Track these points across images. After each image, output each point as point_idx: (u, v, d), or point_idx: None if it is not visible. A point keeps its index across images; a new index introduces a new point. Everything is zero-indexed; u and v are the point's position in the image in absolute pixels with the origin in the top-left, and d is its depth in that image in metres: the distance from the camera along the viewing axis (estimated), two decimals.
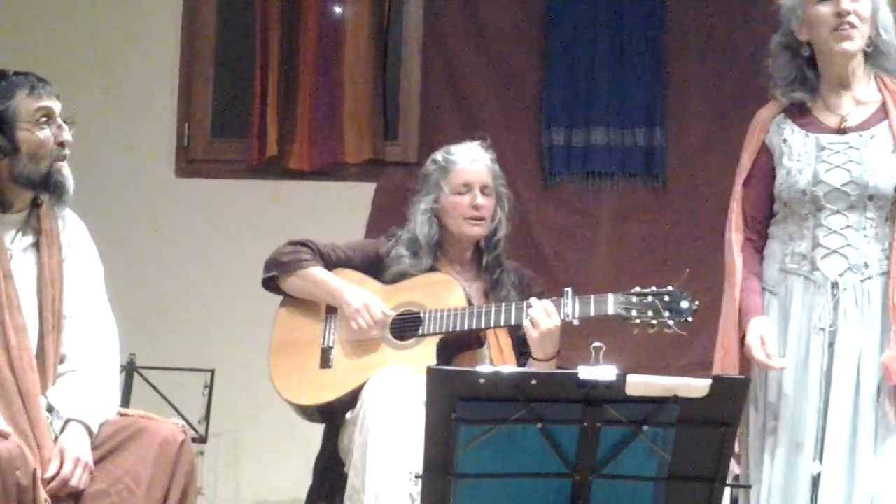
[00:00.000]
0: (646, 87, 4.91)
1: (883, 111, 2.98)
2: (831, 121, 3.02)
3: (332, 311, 3.48)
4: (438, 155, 3.62)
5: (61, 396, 2.83)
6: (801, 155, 3.00)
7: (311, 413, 3.43)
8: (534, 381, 2.31)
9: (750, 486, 2.98)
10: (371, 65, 5.02)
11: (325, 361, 3.42)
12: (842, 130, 2.99)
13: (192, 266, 4.96)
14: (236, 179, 5.04)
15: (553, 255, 4.85)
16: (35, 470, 2.65)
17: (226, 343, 4.74)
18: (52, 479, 2.70)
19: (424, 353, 3.32)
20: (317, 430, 3.53)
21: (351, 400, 3.28)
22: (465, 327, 3.34)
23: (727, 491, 2.68)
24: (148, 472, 2.75)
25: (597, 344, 2.61)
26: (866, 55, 3.01)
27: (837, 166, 2.95)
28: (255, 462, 4.81)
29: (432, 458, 2.36)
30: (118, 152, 4.93)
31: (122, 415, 2.90)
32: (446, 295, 3.40)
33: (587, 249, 4.88)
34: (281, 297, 3.55)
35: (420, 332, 3.37)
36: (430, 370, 2.35)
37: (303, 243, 3.52)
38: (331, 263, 3.51)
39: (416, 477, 2.41)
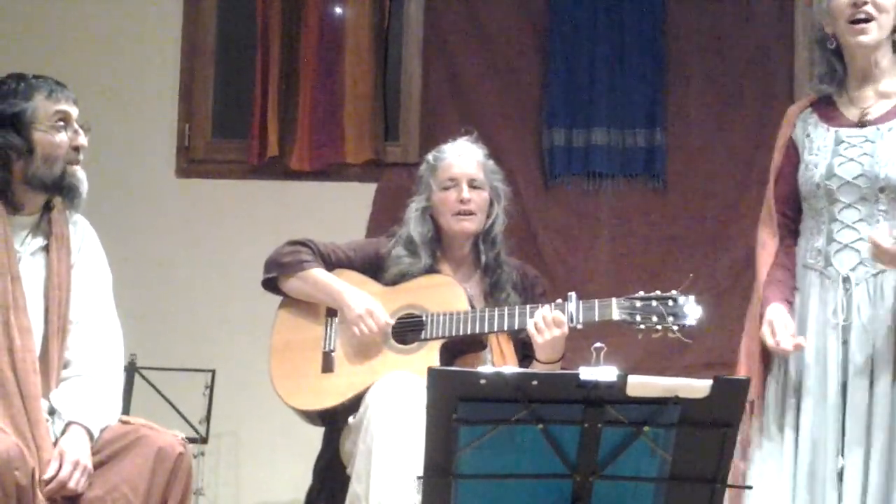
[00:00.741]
0: (646, 88, 4.91)
1: None
2: (853, 114, 3.00)
3: (332, 313, 3.45)
4: (430, 154, 3.61)
5: (63, 400, 2.83)
6: (819, 149, 2.99)
7: (313, 417, 3.42)
8: (535, 382, 2.31)
9: (751, 487, 2.98)
10: (371, 65, 5.02)
11: (327, 365, 3.39)
12: (861, 124, 2.97)
13: (192, 266, 4.96)
14: (237, 180, 5.04)
15: (553, 255, 4.85)
16: (34, 470, 2.66)
17: (226, 343, 4.74)
18: (51, 480, 2.70)
19: (427, 357, 3.29)
20: (318, 431, 3.52)
21: (353, 404, 3.26)
22: (468, 332, 3.31)
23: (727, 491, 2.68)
24: (145, 481, 2.75)
25: (598, 344, 2.61)
26: (894, 45, 2.97)
27: (851, 159, 2.94)
28: (256, 462, 4.81)
29: (433, 459, 2.35)
30: (119, 152, 4.93)
31: (123, 422, 2.90)
32: (449, 298, 3.38)
33: (588, 250, 4.88)
34: (280, 299, 3.53)
35: (422, 335, 3.35)
36: (430, 370, 2.35)
37: (303, 243, 3.49)
38: (331, 264, 3.49)
39: (418, 478, 2.41)
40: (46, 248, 2.92)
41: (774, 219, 3.08)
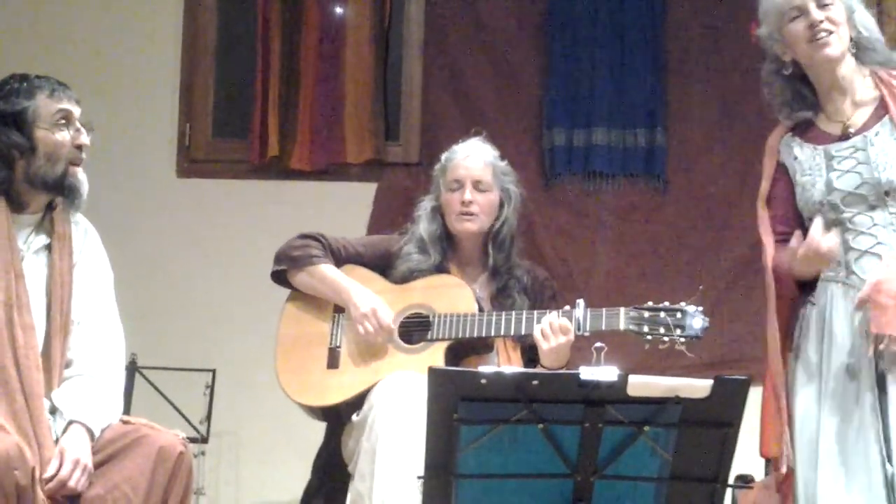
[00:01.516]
0: (646, 88, 4.91)
1: (882, 107, 2.98)
2: (835, 129, 3.01)
3: (340, 309, 3.46)
4: (444, 154, 3.63)
5: (65, 398, 2.83)
6: (811, 169, 3.00)
7: (316, 413, 3.43)
8: (535, 382, 2.31)
9: (751, 488, 2.98)
10: (372, 65, 5.02)
11: (333, 362, 3.40)
12: (846, 136, 2.98)
13: (193, 266, 4.96)
14: (237, 179, 5.04)
15: (554, 255, 4.85)
16: (34, 469, 2.66)
17: (227, 343, 4.74)
18: (51, 479, 2.70)
19: (433, 358, 3.29)
20: (318, 431, 3.53)
21: (357, 402, 3.27)
22: (475, 334, 3.31)
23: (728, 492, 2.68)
24: (145, 481, 2.75)
25: (598, 344, 2.61)
26: (855, 56, 3.01)
27: (848, 171, 2.94)
28: (257, 462, 4.81)
29: (434, 459, 2.36)
30: (119, 152, 4.93)
31: (124, 422, 2.90)
32: (456, 299, 3.38)
33: (588, 250, 4.87)
34: (286, 293, 3.53)
35: (429, 336, 3.35)
36: (431, 370, 2.35)
37: (315, 237, 3.50)
38: (341, 259, 3.49)
39: (419, 478, 2.41)
40: (49, 248, 2.93)
41: (770, 231, 3.07)
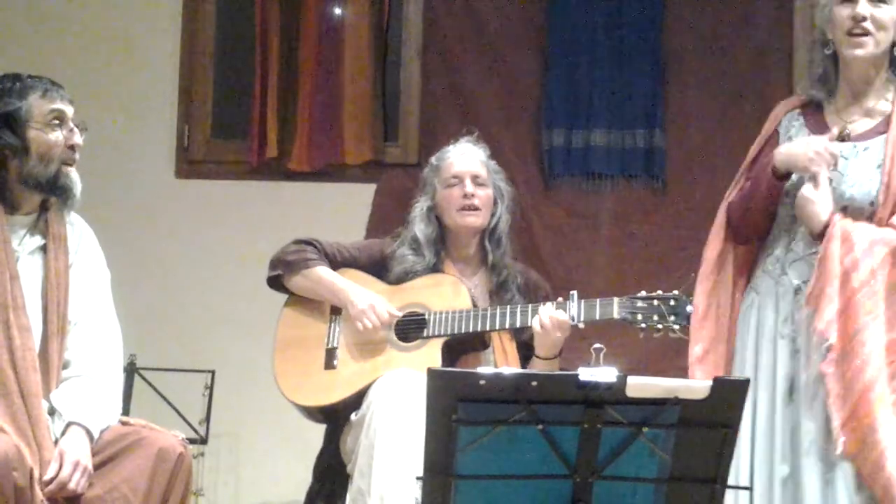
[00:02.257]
0: (645, 89, 4.91)
1: (886, 124, 2.94)
2: (836, 125, 2.98)
3: (336, 311, 3.48)
4: (433, 157, 3.65)
5: (64, 400, 2.82)
6: None
7: (315, 413, 3.43)
8: (534, 383, 2.31)
9: (750, 489, 2.98)
10: (371, 66, 5.02)
11: (330, 362, 3.41)
12: (841, 139, 2.95)
13: (192, 267, 4.96)
14: (236, 180, 5.04)
15: (553, 256, 4.85)
16: (32, 470, 2.65)
17: (226, 344, 4.74)
18: (51, 481, 2.70)
19: (429, 355, 3.32)
20: (317, 432, 3.53)
21: (355, 401, 3.28)
22: (471, 329, 3.33)
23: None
24: (145, 481, 2.75)
25: (597, 345, 2.61)
26: (892, 62, 2.95)
27: None
28: (256, 463, 4.81)
29: (433, 460, 2.36)
30: (118, 153, 4.93)
31: (123, 423, 2.90)
32: (451, 296, 3.40)
33: (587, 251, 4.88)
34: (285, 296, 3.55)
35: (425, 333, 3.37)
36: (430, 371, 2.35)
37: (308, 242, 3.52)
38: (336, 263, 3.51)
39: (418, 479, 2.41)
40: (44, 248, 2.92)
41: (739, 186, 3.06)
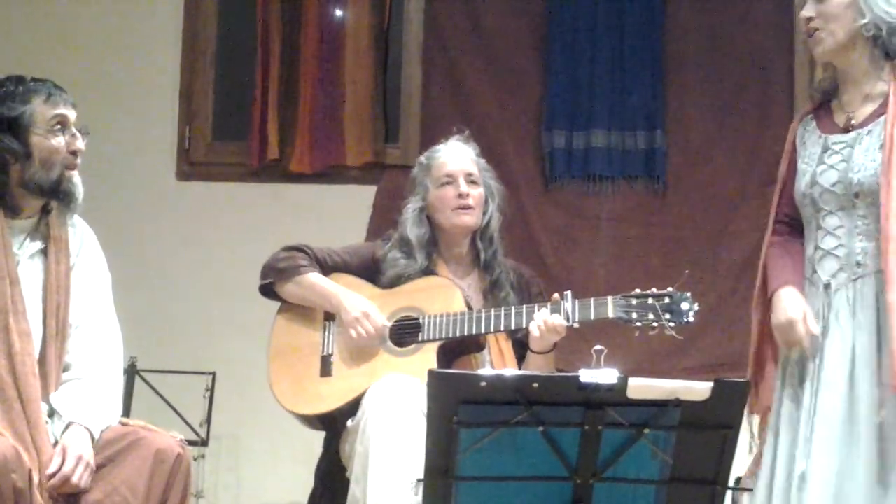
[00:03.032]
0: (646, 90, 4.91)
1: (884, 105, 2.93)
2: (841, 119, 2.98)
3: (330, 317, 3.46)
4: (422, 156, 3.64)
5: (64, 402, 2.82)
6: (809, 157, 2.99)
7: (312, 421, 3.42)
8: (535, 385, 2.31)
9: (750, 490, 2.98)
10: (371, 67, 5.02)
11: (325, 369, 3.39)
12: (846, 129, 2.95)
13: (193, 269, 4.96)
14: (237, 182, 5.04)
15: (554, 257, 4.85)
16: (31, 472, 2.65)
17: (227, 346, 4.74)
18: (53, 475, 2.69)
19: (425, 359, 3.30)
20: (318, 434, 3.52)
21: (352, 408, 3.26)
22: (465, 333, 3.32)
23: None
24: (144, 483, 2.74)
25: (598, 347, 2.61)
26: (881, 42, 2.91)
27: (831, 166, 2.93)
28: (256, 465, 4.81)
29: (434, 462, 2.36)
30: (119, 155, 4.93)
31: (122, 423, 2.89)
32: (445, 299, 3.38)
33: (588, 252, 4.87)
34: (278, 304, 3.53)
35: (420, 338, 3.35)
36: (431, 373, 2.35)
37: (299, 248, 3.49)
38: (327, 268, 3.49)
39: (418, 481, 2.41)
40: (45, 252, 2.92)
41: (778, 226, 3.07)
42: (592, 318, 3.26)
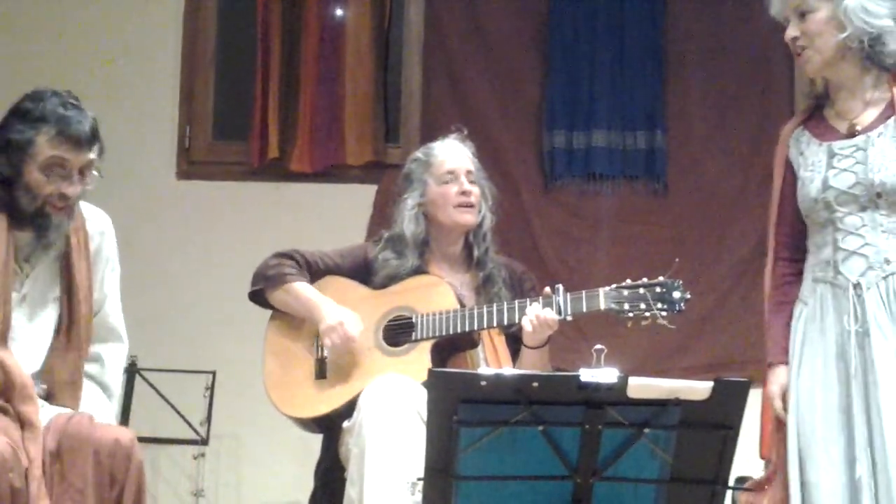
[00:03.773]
0: (646, 90, 4.91)
1: (891, 108, 2.95)
2: (843, 126, 3.00)
3: None
4: (418, 152, 3.62)
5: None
6: (814, 164, 3.00)
7: (309, 424, 3.41)
8: (535, 384, 2.31)
9: (751, 490, 2.98)
10: (372, 67, 5.03)
11: (321, 372, 3.38)
12: (851, 134, 2.97)
13: (193, 268, 4.96)
14: (237, 181, 5.04)
15: (553, 257, 4.85)
16: (27, 470, 2.64)
17: (227, 345, 4.74)
18: None
19: (418, 359, 3.29)
20: (317, 434, 3.53)
21: (348, 409, 3.25)
22: (459, 330, 3.30)
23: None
24: (91, 485, 2.68)
25: (598, 346, 2.61)
26: (868, 53, 2.94)
27: (845, 170, 2.94)
28: (256, 464, 4.81)
29: (434, 461, 2.36)
30: (119, 154, 4.88)
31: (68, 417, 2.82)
32: (437, 297, 3.36)
33: (588, 252, 4.88)
34: (270, 311, 3.52)
35: (413, 337, 3.34)
36: (431, 373, 2.35)
37: (289, 255, 3.48)
38: (318, 272, 3.48)
39: (418, 480, 2.41)
40: (61, 257, 2.91)
41: (778, 246, 3.07)
42: (584, 310, 3.24)
